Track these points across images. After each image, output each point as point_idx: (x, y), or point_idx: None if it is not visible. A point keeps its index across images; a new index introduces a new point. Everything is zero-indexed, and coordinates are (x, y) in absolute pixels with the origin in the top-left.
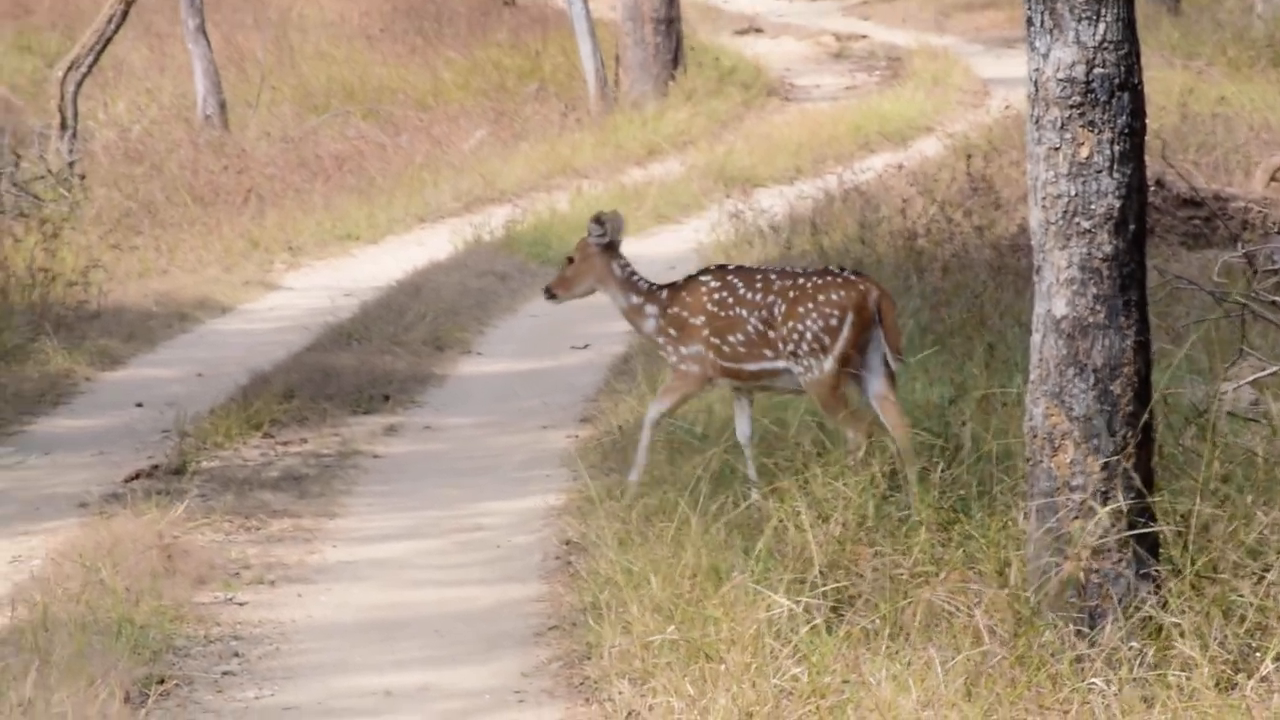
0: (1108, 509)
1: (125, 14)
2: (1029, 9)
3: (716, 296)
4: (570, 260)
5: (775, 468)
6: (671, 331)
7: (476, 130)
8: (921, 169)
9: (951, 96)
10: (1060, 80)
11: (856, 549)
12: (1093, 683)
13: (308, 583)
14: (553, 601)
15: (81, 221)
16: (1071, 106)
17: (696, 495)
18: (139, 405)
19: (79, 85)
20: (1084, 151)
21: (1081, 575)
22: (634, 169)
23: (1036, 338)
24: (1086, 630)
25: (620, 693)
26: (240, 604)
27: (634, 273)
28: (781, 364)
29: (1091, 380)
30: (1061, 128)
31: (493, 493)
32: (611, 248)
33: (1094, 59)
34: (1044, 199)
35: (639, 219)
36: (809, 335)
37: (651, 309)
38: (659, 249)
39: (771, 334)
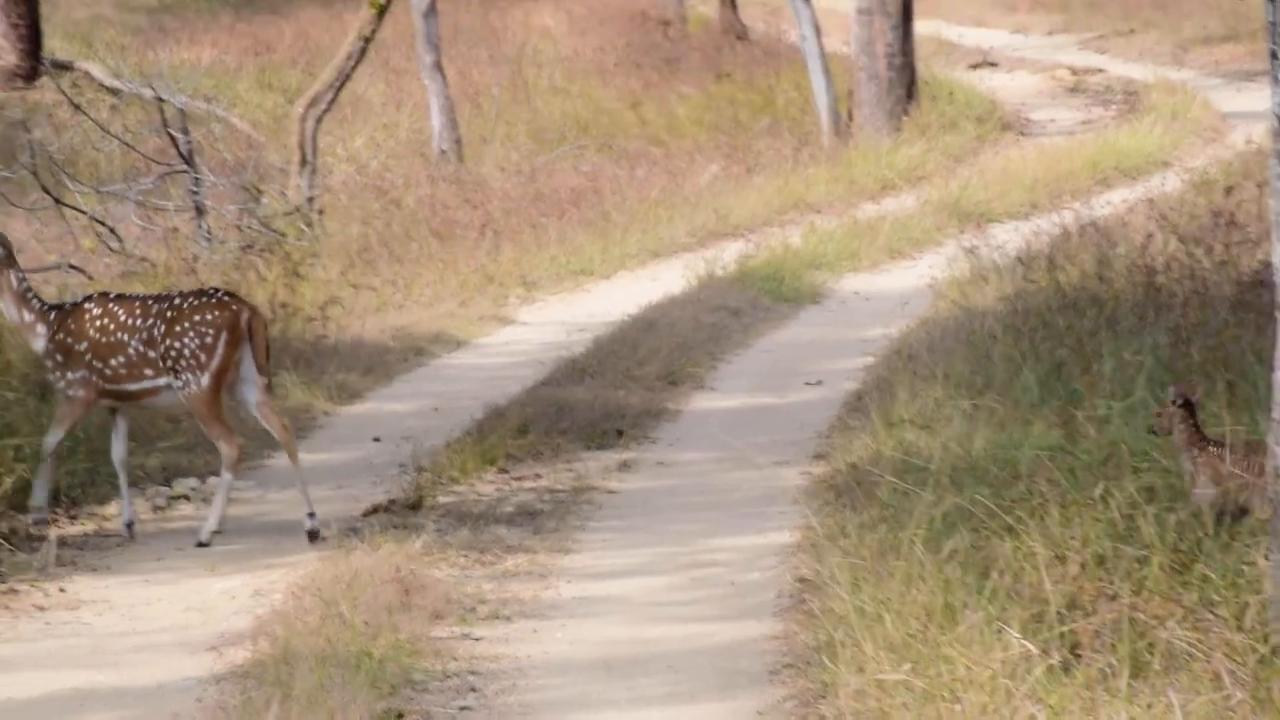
0: None
1: (364, 51)
2: (1271, 42)
3: (99, 323)
4: None
5: (1011, 505)
6: (59, 357)
7: (710, 165)
8: (1160, 204)
9: (1190, 130)
10: None
11: (1094, 588)
12: None
13: (543, 618)
14: (787, 639)
15: (320, 257)
16: None
17: (930, 533)
18: (376, 439)
19: (319, 121)
20: None
21: None
22: (867, 204)
23: (1278, 376)
24: None
25: None
26: (476, 639)
27: (30, 289)
28: (162, 381)
29: None
30: None
31: (726, 529)
32: (10, 259)
33: None
34: None
35: (872, 254)
36: (186, 352)
37: (42, 329)
38: (892, 283)
39: (152, 354)
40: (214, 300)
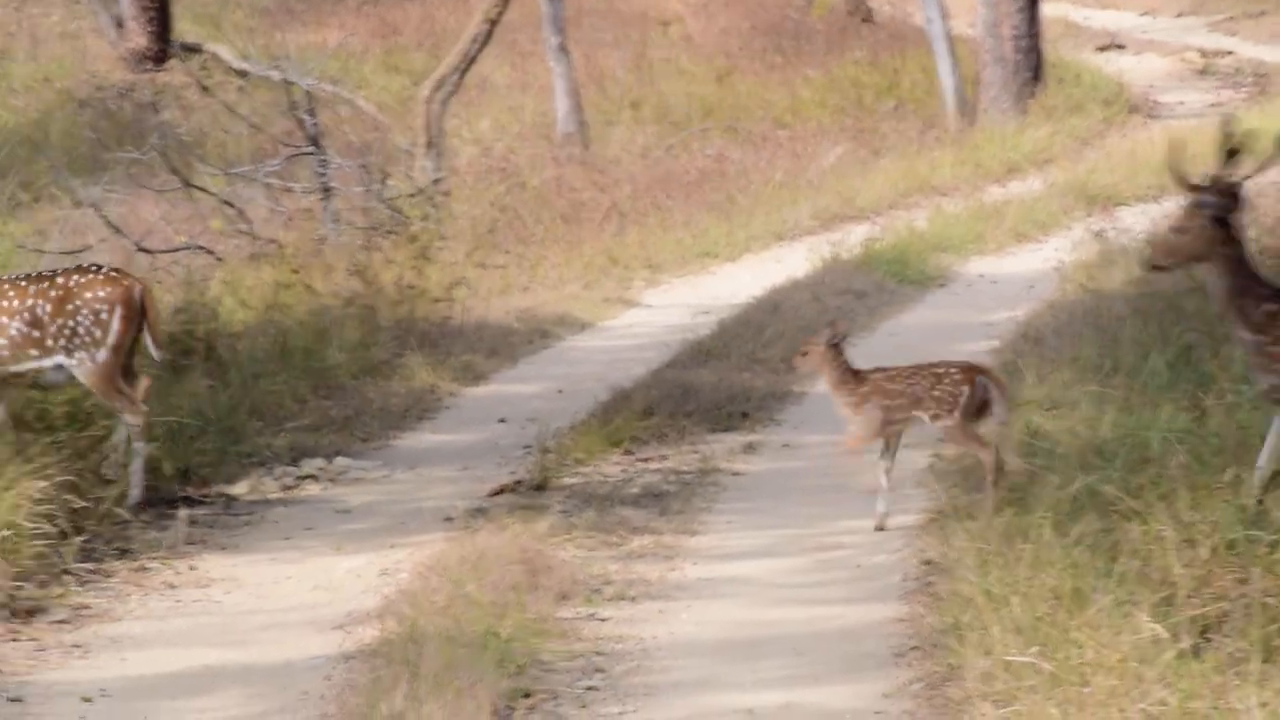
0: None
1: (489, 34)
2: None
3: None
4: None
5: (1139, 489)
6: None
7: (834, 147)
8: None
9: None
10: None
11: (1224, 572)
12: None
13: (669, 599)
14: (913, 622)
15: (446, 239)
16: None
17: (1058, 516)
18: (501, 421)
19: (444, 104)
20: None
21: None
22: (993, 187)
23: None
24: None
25: (983, 715)
26: (602, 620)
27: None
28: (50, 361)
29: None
30: None
31: (852, 511)
32: None
33: None
34: None
35: (998, 237)
36: (81, 330)
37: None
38: (1018, 267)
39: (38, 334)
40: (102, 275)
